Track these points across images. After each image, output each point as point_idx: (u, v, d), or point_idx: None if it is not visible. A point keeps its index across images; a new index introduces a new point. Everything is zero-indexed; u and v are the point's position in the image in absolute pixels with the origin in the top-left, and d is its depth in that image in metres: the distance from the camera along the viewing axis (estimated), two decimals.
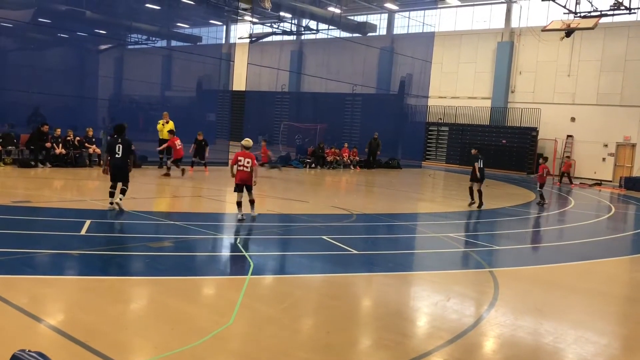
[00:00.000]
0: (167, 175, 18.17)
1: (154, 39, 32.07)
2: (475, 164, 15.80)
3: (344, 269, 8.33)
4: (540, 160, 19.17)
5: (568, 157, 31.89)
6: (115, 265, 7.73)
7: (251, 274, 7.40)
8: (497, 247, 11.29)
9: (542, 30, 28.93)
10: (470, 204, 16.09)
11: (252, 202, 11.25)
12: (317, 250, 9.44)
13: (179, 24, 33.93)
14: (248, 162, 11.06)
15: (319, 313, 6.29)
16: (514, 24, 35.96)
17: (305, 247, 9.69)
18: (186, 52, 31.22)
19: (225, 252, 9.04)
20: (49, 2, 24.74)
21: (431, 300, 7.00)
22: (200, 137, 20.64)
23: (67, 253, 7.86)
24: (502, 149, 34.77)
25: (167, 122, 20.42)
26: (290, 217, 12.69)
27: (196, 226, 10.55)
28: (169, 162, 18.86)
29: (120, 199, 11.12)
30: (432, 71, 34.95)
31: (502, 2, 36.03)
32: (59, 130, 18.73)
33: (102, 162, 19.36)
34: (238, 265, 8.14)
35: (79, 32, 26.33)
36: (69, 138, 18.68)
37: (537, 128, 34.20)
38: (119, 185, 11.27)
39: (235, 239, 9.90)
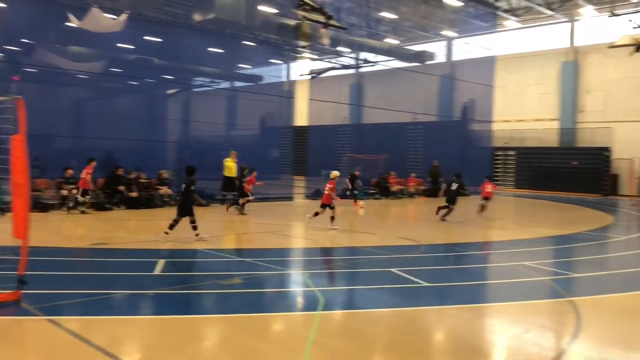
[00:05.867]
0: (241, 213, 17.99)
1: (217, 81, 33.30)
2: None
3: (415, 303, 8.14)
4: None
5: None
6: (189, 304, 7.90)
7: (322, 310, 7.35)
8: (577, 275, 10.76)
9: (611, 47, 27.71)
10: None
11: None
12: (386, 283, 9.29)
13: (240, 65, 35.09)
14: None
15: (393, 349, 6.14)
16: (577, 42, 35.00)
17: (374, 281, 9.55)
18: (249, 91, 32.19)
19: (295, 288, 9.04)
20: (120, 52, 26.22)
21: (509, 333, 6.71)
22: (357, 174, 22.48)
23: (143, 293, 8.10)
24: (574, 171, 33.49)
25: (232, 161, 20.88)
26: (358, 250, 12.60)
27: (264, 262, 10.64)
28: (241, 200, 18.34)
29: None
30: (497, 95, 34.33)
31: (564, 22, 35.14)
32: (134, 173, 19.42)
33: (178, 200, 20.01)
34: (308, 300, 8.11)
35: (147, 79, 27.68)
36: (141, 180, 19.41)
37: (609, 148, 32.76)
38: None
39: (304, 274, 9.91)
